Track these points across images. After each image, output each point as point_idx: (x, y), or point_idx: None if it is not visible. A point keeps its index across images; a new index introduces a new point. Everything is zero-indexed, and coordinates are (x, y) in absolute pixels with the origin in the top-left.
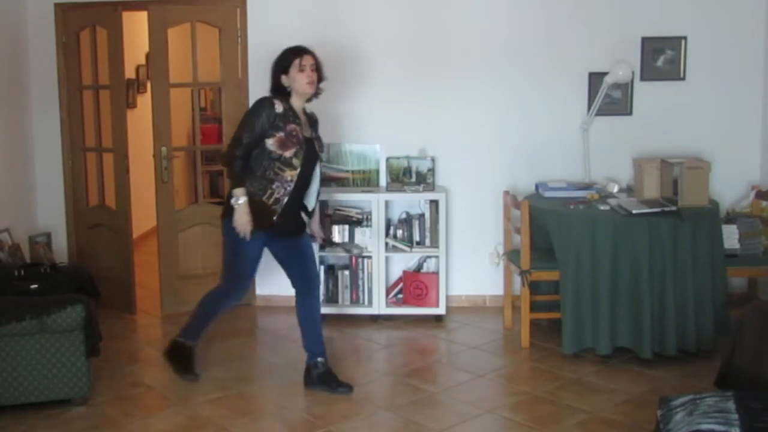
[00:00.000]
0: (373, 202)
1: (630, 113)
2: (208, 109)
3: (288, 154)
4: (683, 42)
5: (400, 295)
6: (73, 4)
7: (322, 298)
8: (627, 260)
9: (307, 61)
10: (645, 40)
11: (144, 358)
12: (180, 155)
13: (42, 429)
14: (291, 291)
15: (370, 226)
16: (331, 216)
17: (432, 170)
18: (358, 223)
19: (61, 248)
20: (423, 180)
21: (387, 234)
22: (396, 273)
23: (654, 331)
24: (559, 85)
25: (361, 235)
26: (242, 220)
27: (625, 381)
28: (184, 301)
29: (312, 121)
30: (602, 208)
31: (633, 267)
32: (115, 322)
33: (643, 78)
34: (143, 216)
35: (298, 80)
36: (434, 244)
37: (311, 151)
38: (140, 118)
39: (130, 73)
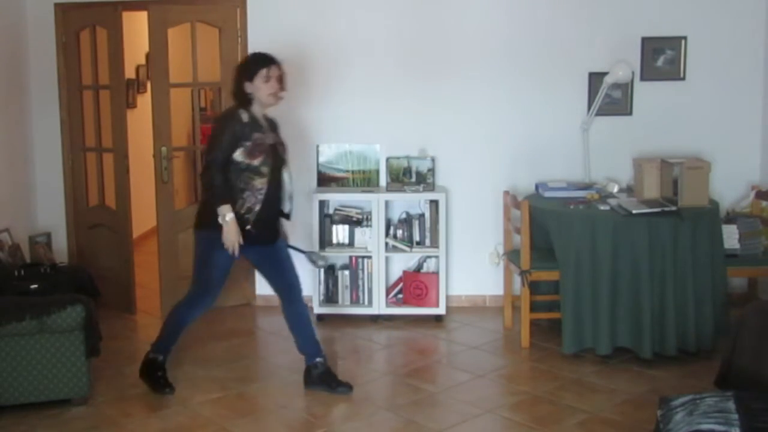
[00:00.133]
0: (373, 202)
1: (630, 113)
2: (208, 109)
3: (256, 162)
4: (683, 42)
5: (400, 295)
6: (73, 4)
7: (321, 298)
8: (627, 260)
9: (274, 72)
10: (645, 40)
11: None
12: (180, 155)
13: (42, 429)
14: None
15: (370, 226)
16: (331, 216)
17: (432, 170)
18: (358, 223)
19: (61, 248)
20: (423, 180)
21: (387, 234)
22: (396, 273)
23: (654, 331)
24: (559, 85)
25: (361, 235)
26: (231, 239)
27: (625, 381)
28: None
29: (273, 125)
30: (602, 208)
31: (633, 267)
32: (115, 322)
33: (643, 78)
34: (143, 216)
35: (263, 90)
36: (434, 244)
37: (277, 156)
38: (140, 118)
39: (130, 73)
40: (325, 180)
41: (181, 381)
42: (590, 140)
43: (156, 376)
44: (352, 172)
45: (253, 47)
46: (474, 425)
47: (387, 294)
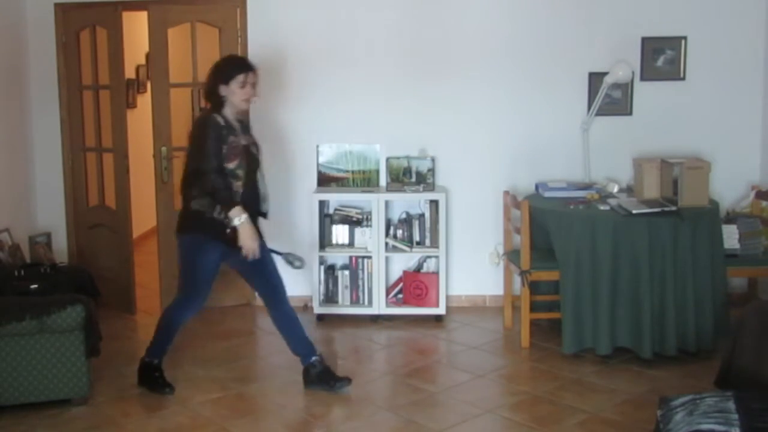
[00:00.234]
0: (373, 202)
1: (630, 113)
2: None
3: (232, 165)
4: (683, 42)
5: (400, 295)
6: (73, 4)
7: (321, 298)
8: (627, 260)
9: (251, 78)
10: (645, 40)
11: None
12: (180, 155)
13: (42, 429)
14: (291, 291)
15: (370, 226)
16: (331, 216)
17: (432, 170)
18: (358, 223)
19: (61, 248)
20: (423, 180)
21: (387, 234)
22: (396, 273)
23: (654, 331)
24: (559, 85)
25: (361, 235)
26: (250, 242)
27: (625, 381)
28: None
29: (245, 127)
30: (602, 208)
31: (633, 267)
32: (115, 322)
33: (643, 78)
34: (143, 216)
35: (237, 95)
36: (434, 244)
37: (251, 158)
38: (140, 118)
39: (130, 73)
40: (325, 180)
41: (180, 381)
42: (590, 140)
43: (153, 377)
44: (352, 172)
45: (253, 47)
46: (474, 425)
47: (387, 294)
